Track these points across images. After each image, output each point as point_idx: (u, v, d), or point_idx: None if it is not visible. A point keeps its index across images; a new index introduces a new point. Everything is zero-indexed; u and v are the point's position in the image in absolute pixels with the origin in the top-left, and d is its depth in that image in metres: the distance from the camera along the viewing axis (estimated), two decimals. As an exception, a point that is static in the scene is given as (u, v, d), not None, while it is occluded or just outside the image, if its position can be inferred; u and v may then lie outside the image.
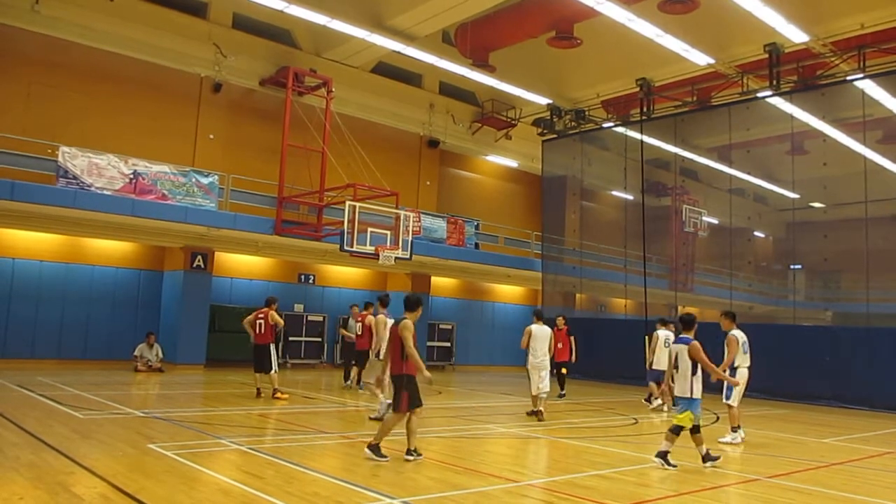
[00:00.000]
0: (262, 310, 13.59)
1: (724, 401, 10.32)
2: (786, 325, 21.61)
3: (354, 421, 11.68)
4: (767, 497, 6.93)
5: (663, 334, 14.90)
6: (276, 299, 14.01)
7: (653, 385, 14.91)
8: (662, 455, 7.93)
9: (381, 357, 11.35)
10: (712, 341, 9.87)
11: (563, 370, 16.40)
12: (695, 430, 8.08)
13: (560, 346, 16.28)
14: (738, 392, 10.26)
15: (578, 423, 12.47)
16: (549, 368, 12.47)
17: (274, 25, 20.94)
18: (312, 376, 19.39)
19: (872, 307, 18.23)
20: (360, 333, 14.72)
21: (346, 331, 16.74)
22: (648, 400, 15.08)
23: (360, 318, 14.87)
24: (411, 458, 7.61)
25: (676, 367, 8.28)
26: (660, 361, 14.77)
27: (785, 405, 16.87)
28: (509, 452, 9.45)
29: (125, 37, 18.14)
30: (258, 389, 13.52)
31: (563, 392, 16.23)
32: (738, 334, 10.46)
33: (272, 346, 13.71)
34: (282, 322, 13.69)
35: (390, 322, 11.30)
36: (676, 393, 8.29)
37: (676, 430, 8.02)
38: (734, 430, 10.29)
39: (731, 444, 10.10)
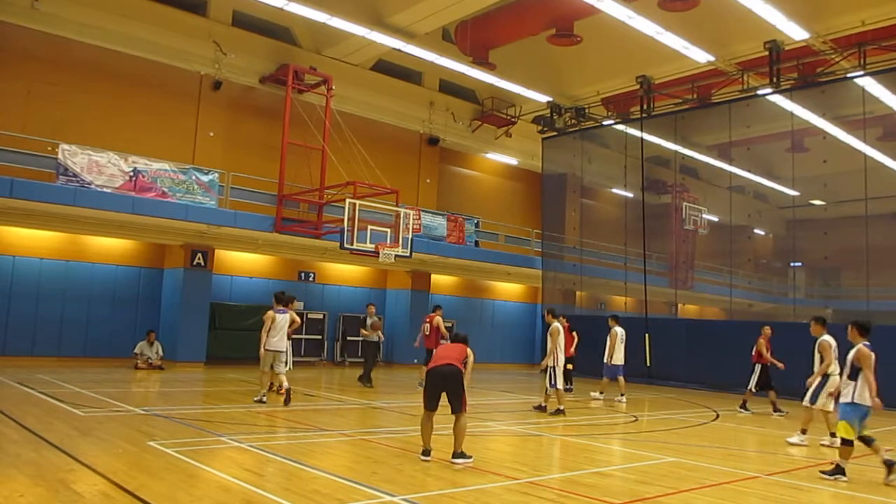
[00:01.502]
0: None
1: (808, 404, 10.37)
2: (786, 322, 21.60)
3: (355, 418, 11.69)
4: (767, 494, 6.94)
5: (620, 331, 15.33)
6: (293, 298, 14.15)
7: (606, 380, 15.64)
8: (889, 464, 7.77)
9: (268, 348, 12.29)
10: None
11: (569, 366, 16.59)
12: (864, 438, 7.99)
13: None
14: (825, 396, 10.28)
15: (579, 421, 12.48)
16: None
17: (274, 23, 20.92)
18: (312, 374, 19.40)
19: (873, 304, 18.23)
20: (427, 334, 16.16)
21: (365, 330, 16.79)
22: (744, 406, 14.75)
23: (427, 319, 16.37)
24: (459, 461, 7.58)
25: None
26: (618, 357, 15.18)
27: (785, 402, 16.85)
28: (509, 450, 9.46)
29: (125, 34, 18.11)
30: (271, 384, 13.66)
31: (571, 387, 16.61)
32: (830, 340, 10.46)
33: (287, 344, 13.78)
34: (297, 320, 13.77)
35: (281, 317, 12.41)
36: (859, 401, 8.07)
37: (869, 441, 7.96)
38: (803, 432, 10.48)
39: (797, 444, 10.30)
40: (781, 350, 18.14)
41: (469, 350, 8.12)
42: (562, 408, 12.55)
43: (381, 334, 16.79)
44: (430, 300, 24.76)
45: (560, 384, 12.54)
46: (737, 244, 23.39)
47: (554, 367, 12.52)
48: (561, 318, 16.71)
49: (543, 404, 12.84)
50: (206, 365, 19.20)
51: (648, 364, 20.53)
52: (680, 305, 26.63)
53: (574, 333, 16.74)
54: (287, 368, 13.72)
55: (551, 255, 25.13)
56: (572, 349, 16.61)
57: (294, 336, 14.18)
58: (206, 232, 18.68)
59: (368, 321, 16.85)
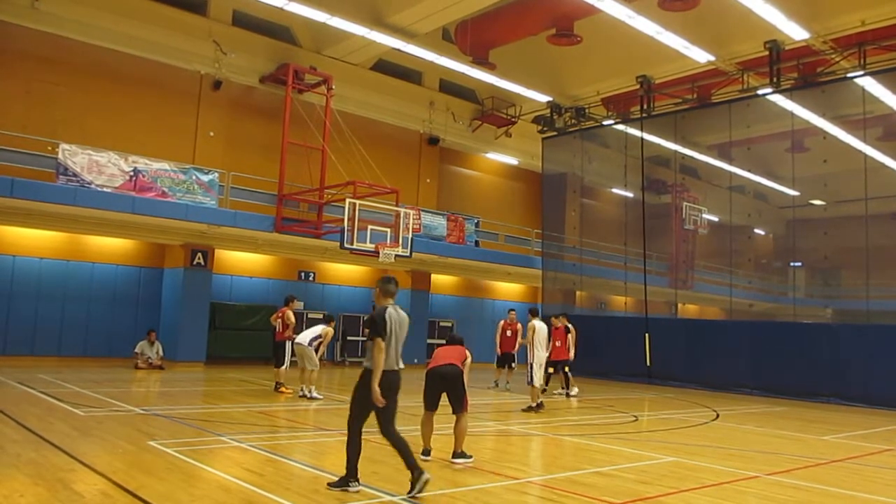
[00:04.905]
0: (281, 308, 14.33)
1: None
2: (786, 322, 21.62)
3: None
4: (767, 494, 6.94)
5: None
6: (294, 297, 14.76)
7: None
8: None
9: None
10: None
11: (566, 368, 16.26)
12: None
13: (559, 343, 16.18)
14: None
15: (578, 421, 12.48)
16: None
17: (274, 22, 20.92)
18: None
19: (872, 304, 18.25)
20: (509, 335, 16.95)
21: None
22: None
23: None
24: (459, 460, 7.60)
25: None
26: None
27: (784, 402, 16.88)
28: (509, 449, 9.46)
29: (125, 34, 18.10)
30: (276, 384, 14.04)
31: (568, 391, 16.18)
32: None
33: (287, 343, 14.10)
34: (293, 321, 14.18)
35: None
36: None
37: None
38: None
39: None
40: (782, 350, 18.18)
41: (467, 351, 8.12)
42: (534, 405, 12.70)
43: None
44: (430, 299, 24.79)
45: (537, 382, 12.61)
46: (737, 244, 23.38)
47: (532, 364, 12.60)
48: (562, 318, 16.74)
49: (533, 404, 12.81)
50: (205, 364, 19.20)
51: (648, 364, 20.53)
52: (680, 305, 26.61)
53: (569, 335, 16.51)
54: (284, 367, 13.90)
55: (551, 254, 25.13)
56: (571, 352, 16.39)
57: (292, 336, 14.26)
58: (206, 232, 18.68)
59: None
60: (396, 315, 6.41)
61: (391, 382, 6.19)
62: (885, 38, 17.21)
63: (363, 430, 6.26)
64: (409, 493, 6.00)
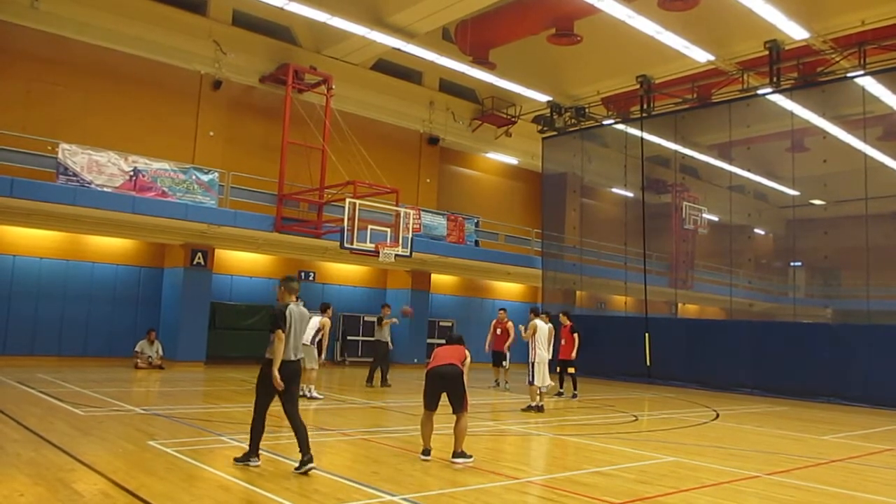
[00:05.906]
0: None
1: None
2: (786, 322, 21.64)
3: (355, 418, 11.70)
4: (767, 493, 6.94)
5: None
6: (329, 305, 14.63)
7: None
8: None
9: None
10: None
11: (571, 369, 16.04)
12: None
13: (563, 342, 16.08)
14: None
15: (578, 420, 12.49)
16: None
17: (274, 22, 20.92)
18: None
19: (873, 304, 18.26)
20: (499, 334, 17.04)
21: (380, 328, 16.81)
22: None
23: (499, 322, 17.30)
24: (459, 460, 7.58)
25: None
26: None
27: (784, 402, 16.88)
28: (509, 449, 9.47)
29: (125, 34, 18.11)
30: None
31: (576, 392, 15.98)
32: None
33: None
34: (328, 323, 13.98)
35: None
36: None
37: None
38: None
39: None
40: (782, 350, 18.19)
41: (467, 351, 8.12)
42: (533, 404, 12.65)
43: (391, 327, 16.72)
44: (430, 299, 24.80)
45: (537, 381, 12.54)
46: (737, 244, 23.40)
47: (532, 363, 12.57)
48: (562, 317, 16.65)
49: (532, 404, 12.78)
50: (205, 364, 19.20)
51: (648, 364, 20.54)
52: (680, 305, 26.63)
53: (575, 335, 16.33)
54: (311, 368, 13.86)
55: (551, 254, 25.13)
56: (573, 352, 16.23)
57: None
58: (206, 231, 18.67)
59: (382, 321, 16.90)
60: (298, 311, 7.12)
61: (291, 371, 6.98)
62: (885, 37, 17.21)
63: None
64: (296, 469, 6.74)
